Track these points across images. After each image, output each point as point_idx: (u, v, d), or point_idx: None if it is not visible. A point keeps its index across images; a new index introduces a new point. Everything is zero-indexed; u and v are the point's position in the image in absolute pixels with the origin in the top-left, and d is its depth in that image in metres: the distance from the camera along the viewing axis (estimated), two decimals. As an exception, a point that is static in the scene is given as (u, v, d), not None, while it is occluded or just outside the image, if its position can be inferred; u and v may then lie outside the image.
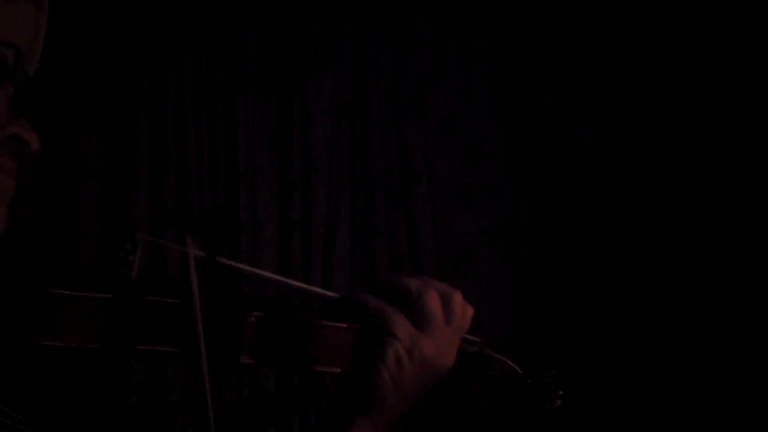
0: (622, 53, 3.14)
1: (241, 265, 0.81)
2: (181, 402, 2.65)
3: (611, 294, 3.03)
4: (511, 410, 0.87)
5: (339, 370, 0.79)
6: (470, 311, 0.85)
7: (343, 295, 0.83)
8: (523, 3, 3.14)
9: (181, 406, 2.66)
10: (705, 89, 3.03)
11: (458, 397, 2.87)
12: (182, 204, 2.73)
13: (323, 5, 2.94)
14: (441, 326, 0.81)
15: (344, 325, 0.79)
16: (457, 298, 0.83)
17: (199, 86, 2.79)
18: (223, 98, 2.83)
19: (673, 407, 2.92)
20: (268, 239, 2.81)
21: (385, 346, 0.79)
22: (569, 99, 3.13)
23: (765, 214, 2.89)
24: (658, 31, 3.10)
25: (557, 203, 3.09)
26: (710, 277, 2.95)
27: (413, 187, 2.98)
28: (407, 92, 3.01)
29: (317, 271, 2.83)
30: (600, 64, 3.15)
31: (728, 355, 2.87)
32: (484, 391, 0.88)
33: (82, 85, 2.69)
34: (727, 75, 2.99)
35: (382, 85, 2.99)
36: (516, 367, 0.86)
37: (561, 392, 0.85)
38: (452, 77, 3.07)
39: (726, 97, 2.99)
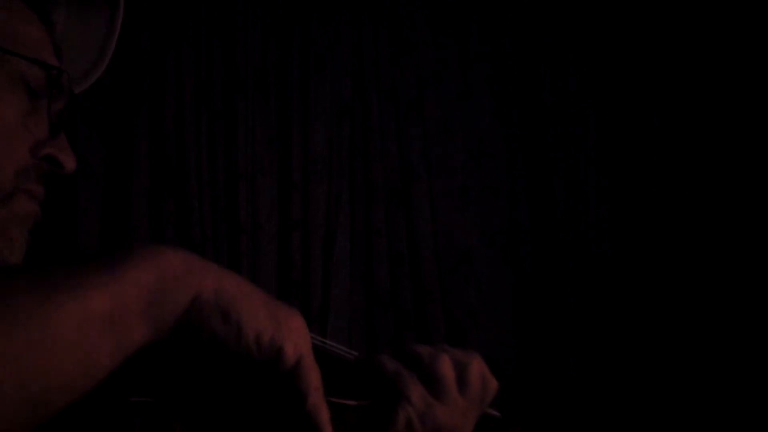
0: (622, 53, 3.14)
1: None
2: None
3: (611, 294, 3.03)
4: None
5: None
6: (493, 384, 0.81)
7: (360, 356, 0.79)
8: (522, 3, 3.14)
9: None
10: (705, 89, 3.03)
11: None
12: (182, 204, 2.73)
13: (323, 5, 2.94)
14: (454, 393, 0.78)
15: (352, 403, 0.75)
16: (475, 367, 0.79)
17: (199, 86, 2.79)
18: (223, 98, 2.82)
19: (673, 407, 2.92)
20: (268, 239, 2.81)
21: (397, 410, 0.76)
22: (569, 99, 3.13)
23: (765, 215, 2.89)
24: (658, 31, 3.10)
25: (557, 203, 3.09)
26: (710, 276, 2.95)
27: (413, 187, 2.98)
28: (407, 92, 3.01)
29: (317, 271, 2.83)
30: (600, 64, 3.15)
31: (728, 355, 2.87)
32: None
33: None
34: (727, 74, 2.99)
35: (382, 86, 2.99)
36: None
37: None
38: (452, 77, 3.07)
39: (726, 97, 2.99)
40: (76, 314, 0.50)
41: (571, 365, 2.98)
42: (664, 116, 3.10)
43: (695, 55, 3.06)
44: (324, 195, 2.88)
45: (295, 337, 0.57)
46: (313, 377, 0.57)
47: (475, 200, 3.04)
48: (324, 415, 0.58)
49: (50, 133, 0.73)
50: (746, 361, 2.85)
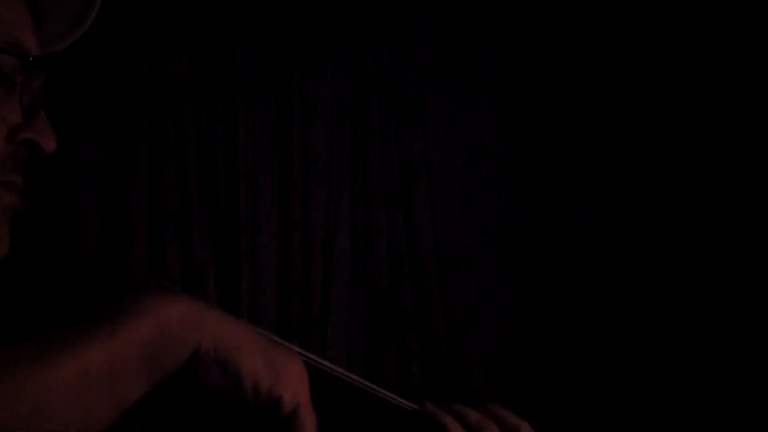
0: (622, 53, 3.14)
1: (308, 355, 0.74)
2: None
3: (611, 294, 3.03)
4: None
5: None
6: None
7: (417, 408, 0.79)
8: (523, 3, 3.14)
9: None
10: (705, 89, 3.03)
11: None
12: (182, 204, 2.73)
13: (323, 5, 2.94)
14: None
15: None
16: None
17: (199, 86, 2.79)
18: (223, 98, 2.83)
19: (673, 407, 2.92)
20: (268, 239, 2.81)
21: None
22: (569, 99, 3.13)
23: (766, 214, 2.89)
24: (659, 31, 3.10)
25: (557, 203, 3.09)
26: (711, 275, 2.95)
27: (413, 187, 2.98)
28: (407, 92, 3.01)
29: (317, 271, 2.83)
30: (600, 65, 3.15)
31: (728, 354, 2.87)
32: None
33: (82, 85, 2.69)
34: (728, 75, 2.99)
35: (382, 86, 2.99)
36: None
37: None
38: (452, 77, 3.07)
39: (726, 97, 2.99)
40: (73, 377, 0.51)
41: (571, 365, 2.98)
42: (665, 116, 3.10)
43: (696, 55, 3.06)
44: (324, 195, 2.88)
45: (293, 385, 0.58)
46: (308, 424, 0.59)
47: (475, 200, 3.04)
48: None
49: (27, 115, 0.69)
50: (746, 360, 2.84)
